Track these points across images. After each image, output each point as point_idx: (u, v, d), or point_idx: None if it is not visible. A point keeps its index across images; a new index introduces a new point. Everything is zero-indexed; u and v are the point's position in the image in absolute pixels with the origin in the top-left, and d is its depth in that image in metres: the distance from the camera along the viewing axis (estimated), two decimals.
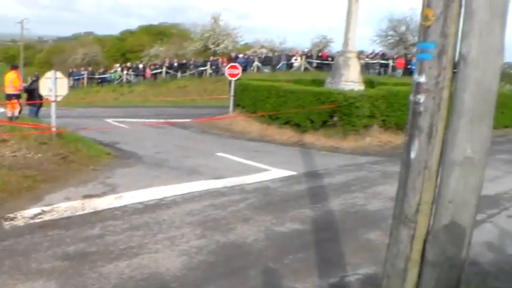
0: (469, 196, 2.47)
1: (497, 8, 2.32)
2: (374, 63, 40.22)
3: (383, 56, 42.50)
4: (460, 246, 2.52)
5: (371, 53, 43.65)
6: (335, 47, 46.51)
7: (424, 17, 2.47)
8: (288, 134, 15.16)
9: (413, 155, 2.57)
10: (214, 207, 7.52)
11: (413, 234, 2.62)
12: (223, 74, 29.54)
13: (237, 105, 19.07)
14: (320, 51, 46.47)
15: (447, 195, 2.48)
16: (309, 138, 14.48)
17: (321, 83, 19.27)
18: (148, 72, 43.42)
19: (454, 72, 2.45)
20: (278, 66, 40.68)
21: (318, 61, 41.27)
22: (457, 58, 2.42)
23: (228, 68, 20.72)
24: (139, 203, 7.56)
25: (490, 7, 2.30)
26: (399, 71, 36.54)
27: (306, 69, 40.38)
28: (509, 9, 2.36)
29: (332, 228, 6.77)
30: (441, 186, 2.50)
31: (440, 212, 2.51)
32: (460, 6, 2.41)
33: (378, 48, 49.11)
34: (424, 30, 2.48)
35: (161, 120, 18.93)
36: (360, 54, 34.60)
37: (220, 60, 41.90)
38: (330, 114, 14.33)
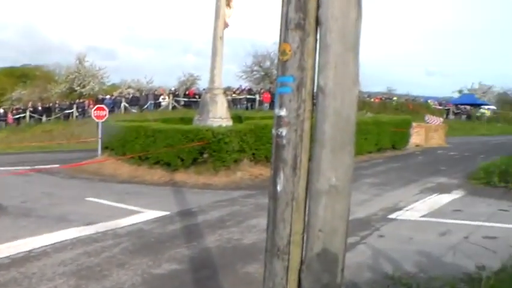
0: (338, 223, 2.51)
1: (350, 41, 2.41)
2: (241, 98, 41.22)
3: (250, 91, 43.73)
4: (334, 273, 2.54)
5: (238, 89, 44.74)
6: (202, 84, 47.06)
7: (282, 51, 2.51)
8: (158, 173, 14.89)
9: (279, 187, 2.56)
10: (88, 254, 7.12)
11: (287, 265, 2.60)
12: (90, 116, 28.59)
13: (105, 147, 18.46)
14: (187, 89, 46.75)
15: (317, 224, 2.49)
16: (180, 176, 14.32)
17: (189, 120, 19.27)
18: (10, 117, 40.81)
19: (314, 104, 2.50)
20: (146, 106, 40.26)
21: (186, 99, 41.46)
22: (315, 90, 2.48)
23: (95, 110, 20.10)
24: (5, 257, 6.92)
25: (343, 40, 2.39)
26: (266, 105, 37.76)
27: (174, 107, 40.35)
28: (360, 42, 2.47)
29: (210, 265, 6.67)
30: (310, 215, 2.51)
31: (312, 241, 2.51)
32: (316, 40, 2.48)
33: (245, 84, 50.50)
34: (282, 64, 2.52)
35: (27, 168, 17.71)
36: (227, 90, 35.34)
37: (86, 102, 40.59)
38: (200, 151, 14.33)
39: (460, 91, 71.75)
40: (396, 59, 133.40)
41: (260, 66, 54.23)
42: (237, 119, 19.44)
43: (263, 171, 14.44)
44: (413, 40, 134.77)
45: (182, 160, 14.52)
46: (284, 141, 2.52)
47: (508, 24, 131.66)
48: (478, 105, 61.48)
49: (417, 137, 26.99)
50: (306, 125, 2.51)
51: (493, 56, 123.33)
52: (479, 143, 31.80)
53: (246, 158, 14.91)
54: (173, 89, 46.81)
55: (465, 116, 55.86)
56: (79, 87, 48.32)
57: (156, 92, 43.87)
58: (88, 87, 48.28)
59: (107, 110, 20.47)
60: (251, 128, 15.22)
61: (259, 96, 41.05)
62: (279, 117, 2.54)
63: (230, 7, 17.23)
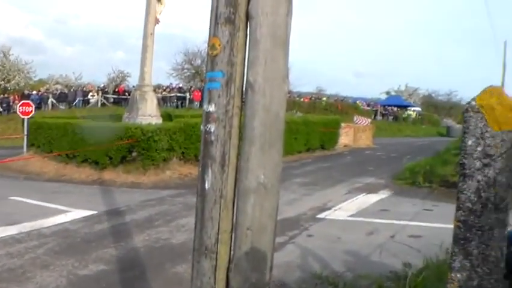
0: (266, 221, 2.50)
1: (280, 37, 2.41)
2: (171, 96, 40.79)
3: (180, 89, 43.34)
4: (262, 271, 2.53)
5: (168, 87, 44.23)
6: (132, 82, 46.19)
7: (211, 46, 2.48)
8: (86, 172, 14.49)
9: (207, 184, 2.53)
10: (10, 255, 6.80)
11: (215, 264, 2.57)
12: (15, 112, 27.39)
13: (31, 144, 17.74)
14: (116, 86, 45.72)
15: (245, 222, 2.48)
16: (109, 175, 14.01)
17: (119, 118, 18.86)
18: None
19: (244, 100, 2.48)
20: (74, 103, 39.05)
21: (115, 96, 40.59)
22: (245, 86, 2.46)
23: (20, 106, 19.32)
24: None
25: (273, 36, 2.39)
26: (197, 104, 37.55)
27: (103, 104, 39.40)
28: (290, 38, 2.47)
29: (138, 265, 6.54)
30: (239, 213, 2.50)
31: (240, 240, 2.50)
32: (246, 35, 2.47)
33: (175, 82, 49.98)
34: (212, 59, 2.49)
35: None
36: (157, 88, 34.82)
37: (11, 97, 38.78)
38: (129, 149, 14.06)
39: (388, 92, 74.18)
40: (326, 60, 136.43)
41: (191, 64, 53.86)
42: (167, 117, 19.22)
43: (192, 170, 14.33)
44: (342, 41, 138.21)
45: (110, 158, 14.20)
46: (212, 138, 2.49)
47: (435, 28, 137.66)
48: (404, 107, 63.83)
49: (346, 137, 27.65)
50: (235, 122, 2.49)
51: (419, 59, 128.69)
52: (405, 144, 33.01)
53: (176, 157, 14.77)
54: (102, 85, 45.70)
55: (392, 117, 57.84)
56: (3, 82, 46.13)
57: (85, 89, 42.64)
58: (13, 82, 46.11)
59: (33, 106, 19.73)
60: (181, 126, 15.09)
61: (190, 95, 40.81)
62: (208, 113, 2.51)
63: (161, 3, 17.01)
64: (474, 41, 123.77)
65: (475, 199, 2.11)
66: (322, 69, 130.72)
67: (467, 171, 2.12)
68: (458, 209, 2.15)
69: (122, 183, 13.31)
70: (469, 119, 2.13)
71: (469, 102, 2.15)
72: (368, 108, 57.03)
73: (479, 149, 2.11)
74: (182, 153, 14.95)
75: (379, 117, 55.16)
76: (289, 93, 49.51)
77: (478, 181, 2.11)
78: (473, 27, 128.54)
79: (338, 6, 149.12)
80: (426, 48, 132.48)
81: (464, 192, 2.13)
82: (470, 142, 2.12)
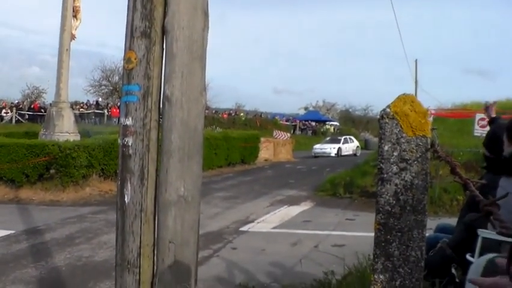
0: (189, 234, 2.51)
1: (197, 51, 2.44)
2: (89, 113, 39.80)
3: (98, 105, 42.38)
4: (187, 285, 2.53)
5: (86, 103, 43.14)
6: (49, 98, 44.60)
7: (127, 59, 2.46)
8: (2, 191, 13.77)
9: (127, 198, 2.50)
10: None
11: (139, 279, 2.55)
12: None
13: None
14: (32, 102, 44.01)
15: (167, 235, 2.47)
16: (26, 193, 13.41)
17: (35, 135, 18.11)
18: None
19: (161, 114, 2.48)
20: None
21: (31, 113, 39.05)
22: (162, 99, 2.46)
23: None
24: None
25: (190, 50, 2.41)
26: (115, 120, 36.82)
27: (18, 121, 37.76)
28: (207, 52, 2.50)
29: (60, 285, 6.30)
30: (160, 227, 2.49)
31: (163, 253, 2.49)
32: (162, 49, 2.47)
33: (93, 98, 48.81)
34: (128, 72, 2.47)
35: None
36: (74, 104, 33.81)
37: None
38: (46, 166, 13.56)
39: (306, 108, 75.85)
40: (245, 77, 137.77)
41: (108, 81, 52.91)
42: (85, 133, 18.68)
43: (113, 187, 13.98)
44: (261, 59, 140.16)
45: (27, 176, 13.63)
46: (130, 151, 2.47)
47: (350, 47, 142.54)
48: (322, 122, 65.55)
49: (266, 152, 27.93)
50: (153, 135, 2.48)
51: (336, 76, 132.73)
52: (324, 157, 33.79)
53: (95, 174, 14.39)
54: (16, 102, 43.84)
55: (311, 131, 59.16)
56: None
57: None
58: None
59: None
60: (100, 142, 14.73)
61: (108, 111, 39.97)
62: (125, 126, 2.48)
63: (77, 19, 16.60)
64: (388, 59, 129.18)
65: (394, 202, 2.18)
66: (241, 86, 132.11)
67: (385, 175, 2.19)
68: (377, 212, 2.21)
69: (40, 202, 12.78)
70: (384, 125, 2.21)
71: (383, 110, 2.22)
72: (287, 123, 58.08)
73: (395, 154, 2.19)
74: (102, 169, 14.60)
75: (298, 132, 56.29)
76: (208, 109, 49.62)
77: (396, 185, 2.18)
78: (387, 45, 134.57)
79: (256, 24, 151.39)
80: (342, 66, 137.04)
81: (383, 196, 2.20)
82: (386, 147, 2.20)
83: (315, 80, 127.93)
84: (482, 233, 3.13)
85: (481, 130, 15.21)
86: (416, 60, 41.73)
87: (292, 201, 13.51)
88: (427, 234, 2.31)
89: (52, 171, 13.66)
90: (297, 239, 8.95)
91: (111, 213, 10.58)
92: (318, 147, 36.57)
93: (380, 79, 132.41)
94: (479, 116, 16.01)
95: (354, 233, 9.26)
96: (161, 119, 2.49)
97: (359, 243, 7.09)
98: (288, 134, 38.59)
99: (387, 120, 2.19)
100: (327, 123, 65.93)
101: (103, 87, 53.18)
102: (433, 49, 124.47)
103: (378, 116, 2.25)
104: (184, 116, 2.41)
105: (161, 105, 2.48)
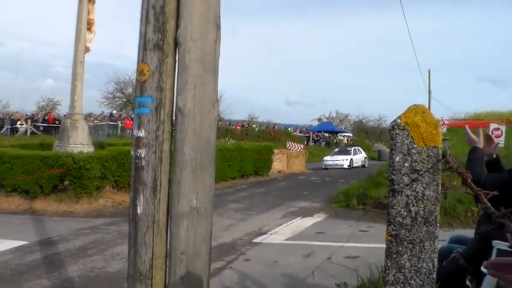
0: (201, 245, 2.51)
1: (209, 63, 2.46)
2: (103, 124, 40.10)
3: (111, 117, 42.68)
4: None
5: (100, 115, 43.47)
6: (63, 110, 45.06)
7: (140, 72, 2.49)
8: (16, 202, 13.89)
9: (139, 210, 2.51)
10: None
11: None
12: None
13: None
14: (46, 114, 44.47)
15: (179, 247, 2.47)
16: (40, 204, 13.51)
17: (49, 146, 18.26)
18: None
19: (174, 125, 2.49)
20: (2, 131, 37.59)
21: (45, 124, 39.41)
22: (175, 111, 2.48)
23: None
24: None
25: (202, 62, 2.43)
26: (129, 132, 37.00)
27: (33, 133, 38.11)
28: (219, 64, 2.52)
29: None
30: (172, 238, 2.49)
31: (175, 265, 2.49)
32: (175, 61, 2.49)
33: (107, 110, 49.19)
34: (141, 85, 2.49)
35: None
36: (88, 116, 34.09)
37: None
38: (60, 178, 13.67)
39: (319, 119, 75.80)
40: (257, 88, 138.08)
41: (122, 93, 53.34)
42: (99, 145, 18.81)
43: (126, 198, 14.02)
44: (273, 70, 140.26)
45: (41, 187, 13.74)
46: (143, 163, 2.49)
47: (363, 57, 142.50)
48: (336, 133, 65.37)
49: (279, 163, 27.91)
50: (166, 146, 2.50)
51: (349, 87, 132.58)
52: (338, 169, 33.67)
53: (109, 185, 14.48)
54: (31, 113, 44.34)
55: (324, 142, 59.00)
56: None
57: (13, 117, 41.22)
58: None
59: None
60: (113, 154, 14.83)
61: (121, 123, 40.23)
62: (138, 138, 2.50)
63: (91, 32, 16.75)
64: (400, 69, 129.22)
65: (405, 213, 2.17)
66: (253, 98, 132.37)
67: (396, 186, 2.18)
68: (389, 223, 2.20)
69: (54, 213, 12.87)
70: (395, 136, 2.20)
71: (394, 120, 2.22)
72: (300, 134, 57.98)
73: (406, 164, 2.18)
74: (116, 181, 14.68)
75: (311, 143, 56.16)
76: (221, 121, 49.78)
77: (407, 196, 2.17)
78: (400, 55, 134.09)
79: (268, 35, 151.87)
80: (355, 77, 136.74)
81: (395, 207, 2.18)
82: (397, 158, 2.19)
83: (328, 91, 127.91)
84: (497, 244, 3.09)
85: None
86: (429, 71, 41.53)
87: (306, 213, 13.47)
88: (441, 245, 2.28)
89: (66, 182, 13.76)
90: (310, 250, 8.91)
91: (124, 224, 10.62)
92: (329, 159, 36.42)
93: (394, 89, 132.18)
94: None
95: (368, 244, 9.20)
96: (173, 131, 2.50)
97: (372, 255, 7.05)
98: (302, 146, 38.56)
99: (398, 131, 2.19)
100: (341, 134, 65.76)
101: (116, 99, 53.64)
102: (446, 58, 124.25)
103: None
104: (196, 127, 2.42)
105: (173, 117, 2.50)
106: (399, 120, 2.20)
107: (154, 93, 2.46)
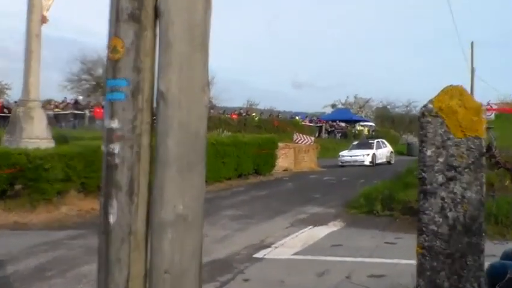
0: (189, 262, 2.52)
1: (197, 38, 2.46)
2: (66, 114, 40.02)
3: (77, 105, 42.60)
4: None
5: (62, 102, 43.37)
6: (14, 95, 44.97)
7: (112, 48, 2.49)
8: None
9: (112, 219, 2.52)
10: None
11: None
12: None
13: None
14: None
15: (162, 264, 2.48)
16: None
17: None
18: None
19: (155, 115, 2.50)
20: None
21: None
22: (156, 97, 2.48)
23: None
24: None
25: (189, 37, 2.43)
26: (99, 123, 36.92)
27: None
28: (210, 39, 2.52)
29: None
30: (153, 254, 2.50)
31: (156, 286, 2.50)
32: (155, 35, 2.50)
33: (71, 96, 49.04)
34: (113, 64, 2.49)
35: None
36: (47, 103, 34.09)
37: None
38: (11, 181, 13.62)
39: (334, 105, 75.72)
40: (258, 69, 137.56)
41: (90, 75, 53.21)
42: (61, 139, 18.79)
43: (96, 205, 14.02)
44: (277, 47, 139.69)
45: None
46: (117, 161, 2.50)
47: (385, 34, 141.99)
48: (354, 122, 65.35)
49: (285, 160, 27.92)
50: (145, 140, 2.51)
51: (369, 68, 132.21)
52: (357, 166, 33.66)
53: (74, 189, 14.45)
54: None
55: (340, 134, 58.97)
56: None
57: None
58: None
59: None
60: (80, 151, 14.81)
61: (90, 112, 40.17)
62: (110, 130, 2.51)
63: None
64: (435, 43, 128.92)
65: (440, 220, 2.12)
66: (253, 80, 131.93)
67: (428, 187, 2.13)
68: (420, 232, 2.15)
69: (2, 225, 12.85)
70: (426, 125, 2.15)
71: (425, 106, 2.16)
72: (311, 124, 57.88)
73: (440, 160, 2.13)
74: (83, 184, 14.66)
75: (325, 135, 56.17)
76: (213, 108, 49.63)
77: (442, 198, 2.13)
78: (434, 25, 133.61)
79: (271, 5, 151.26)
80: (378, 53, 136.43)
81: (427, 212, 2.13)
82: (429, 152, 2.14)
83: (345, 71, 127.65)
84: None
85: None
86: (471, 43, 41.41)
87: (318, 221, 13.49)
88: (490, 262, 2.22)
89: (18, 186, 13.71)
90: (325, 267, 8.92)
91: (92, 237, 10.59)
92: (347, 154, 36.43)
93: (426, 68, 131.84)
94: None
95: (396, 260, 9.21)
96: (154, 121, 2.51)
97: (401, 273, 7.06)
98: (312, 138, 38.48)
99: (429, 119, 2.14)
100: (360, 123, 65.71)
101: (83, 82, 53.58)
102: (494, 30, 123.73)
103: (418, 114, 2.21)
104: (182, 117, 2.43)
105: (154, 105, 2.51)
106: (430, 106, 2.16)
107: (129, 75, 2.47)
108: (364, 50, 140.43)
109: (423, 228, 2.16)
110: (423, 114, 2.18)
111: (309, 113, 66.50)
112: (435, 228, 2.12)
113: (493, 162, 2.24)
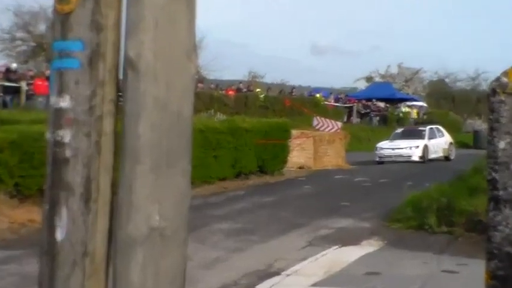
0: None
1: None
2: None
3: (9, 74, 42.55)
4: None
5: None
6: None
7: None
8: None
9: (60, 234, 2.50)
10: None
11: None
12: None
13: None
14: None
15: None
16: None
17: None
18: None
19: (121, 91, 2.49)
20: None
21: None
22: (123, 66, 2.48)
23: None
24: None
25: None
26: (42, 100, 36.95)
27: None
28: None
29: None
30: (118, 282, 2.50)
31: None
32: None
33: (1, 61, 49.01)
34: (62, 19, 2.48)
35: None
36: None
37: None
38: None
39: (369, 78, 75.44)
40: (262, 30, 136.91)
41: (28, 32, 53.12)
42: None
43: (36, 215, 14.06)
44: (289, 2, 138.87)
45: None
46: (68, 153, 2.49)
47: None
48: (398, 101, 65.16)
49: (301, 154, 27.94)
50: (108, 126, 2.51)
51: (419, 25, 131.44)
52: (402, 163, 33.64)
53: (3, 193, 14.49)
54: None
55: (378, 118, 58.89)
56: None
57: None
58: None
59: None
60: (12, 138, 14.83)
61: (28, 85, 40.16)
62: (58, 110, 2.50)
63: None
64: None
65: None
66: (256, 44, 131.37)
67: (501, 192, 2.12)
68: (490, 257, 2.15)
69: None
70: (498, 106, 2.13)
71: (497, 79, 2.16)
72: (337, 104, 57.83)
73: None
74: (16, 185, 14.71)
75: (356, 119, 56.15)
76: (202, 81, 49.63)
77: None
78: None
79: None
80: (430, 7, 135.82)
81: (499, 227, 2.12)
82: (502, 144, 2.13)
83: (385, 32, 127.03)
84: None
85: None
86: None
87: (347, 239, 13.53)
88: None
89: None
90: None
91: (30, 260, 10.62)
92: (387, 147, 36.45)
93: (501, 27, 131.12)
94: None
95: None
96: (121, 99, 2.51)
97: None
98: (339, 124, 38.48)
99: (503, 98, 2.13)
100: (406, 103, 65.59)
101: (18, 42, 53.48)
102: None
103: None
104: (159, 93, 2.42)
105: (121, 76, 2.50)
106: (505, 79, 2.15)
107: (86, 35, 2.46)
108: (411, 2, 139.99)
109: (495, 251, 2.14)
110: (494, 92, 2.16)
111: (334, 89, 66.44)
112: None
113: None
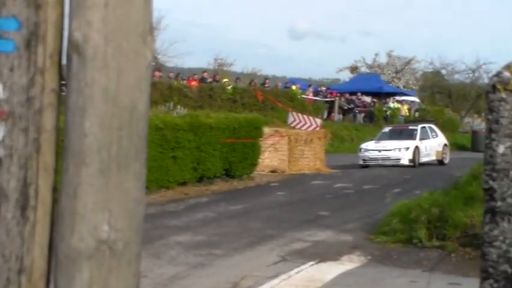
0: None
1: None
2: None
3: None
4: None
5: None
6: None
7: None
8: None
9: None
10: None
11: None
12: None
13: None
14: None
15: None
16: None
17: None
18: None
19: (65, 79, 2.46)
20: None
21: None
22: (67, 50, 2.45)
23: None
24: None
25: None
26: None
27: None
28: None
29: None
30: None
31: None
32: None
33: None
34: None
35: None
36: None
37: None
38: None
39: (354, 68, 75.79)
40: (231, 9, 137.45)
41: None
42: None
43: None
44: None
45: None
46: (1, 152, 2.47)
47: None
48: (386, 95, 65.51)
49: (274, 155, 28.06)
50: (48, 120, 2.48)
51: (416, 7, 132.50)
52: (389, 167, 33.85)
53: None
54: None
55: (363, 115, 59.23)
56: None
57: None
58: None
59: None
60: None
61: None
62: None
63: None
64: None
65: None
66: (225, 27, 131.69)
67: (499, 203, 2.13)
68: (485, 275, 2.16)
69: None
70: (498, 104, 2.14)
71: (498, 73, 2.17)
72: (316, 98, 58.02)
73: None
74: None
75: (338, 116, 56.43)
76: (159, 69, 49.63)
77: None
78: None
79: None
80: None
81: (495, 244, 2.14)
82: (502, 149, 2.14)
83: (374, 15, 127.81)
84: None
85: None
86: None
87: (326, 254, 13.59)
88: None
89: None
90: None
91: None
92: (373, 148, 36.71)
93: (504, 14, 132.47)
94: None
95: None
96: (64, 90, 2.48)
97: None
98: (318, 121, 38.63)
99: (504, 95, 2.14)
100: (396, 98, 65.97)
101: None
102: None
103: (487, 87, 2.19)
104: (110, 82, 2.40)
105: (64, 62, 2.48)
106: (507, 74, 2.16)
107: (22, 13, 2.43)
108: None
109: (490, 270, 2.15)
110: (494, 88, 2.15)
111: (313, 81, 66.83)
112: (510, 270, 2.12)
113: None
